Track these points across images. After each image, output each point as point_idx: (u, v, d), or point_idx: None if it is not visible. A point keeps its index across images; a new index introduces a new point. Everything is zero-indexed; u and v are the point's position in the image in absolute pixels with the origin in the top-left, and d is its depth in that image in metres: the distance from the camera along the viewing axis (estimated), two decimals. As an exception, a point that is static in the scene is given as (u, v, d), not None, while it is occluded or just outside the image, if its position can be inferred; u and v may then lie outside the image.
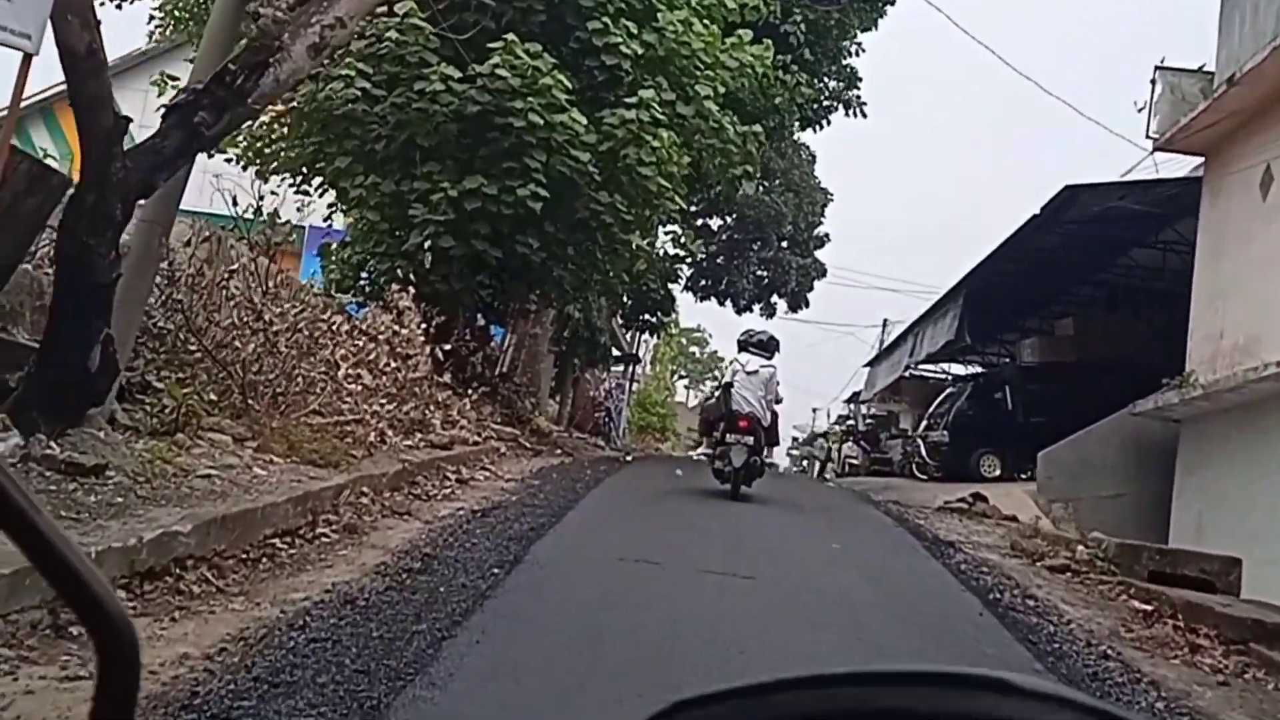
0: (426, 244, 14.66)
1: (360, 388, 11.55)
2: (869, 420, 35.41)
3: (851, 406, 44.70)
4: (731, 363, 13.78)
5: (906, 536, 10.77)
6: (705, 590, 6.66)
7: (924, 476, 24.08)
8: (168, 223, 8.66)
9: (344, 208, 16.19)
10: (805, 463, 59.99)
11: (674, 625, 5.66)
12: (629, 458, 18.09)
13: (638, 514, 10.22)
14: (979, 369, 31.95)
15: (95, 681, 0.71)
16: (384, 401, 11.66)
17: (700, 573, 7.20)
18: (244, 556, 6.26)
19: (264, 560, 6.32)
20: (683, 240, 18.12)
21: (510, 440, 14.56)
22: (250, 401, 9.11)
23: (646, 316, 32.66)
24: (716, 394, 13.69)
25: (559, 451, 16.20)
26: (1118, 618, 8.05)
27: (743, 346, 13.50)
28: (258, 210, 9.62)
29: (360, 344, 12.12)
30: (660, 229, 20.32)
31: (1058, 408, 21.10)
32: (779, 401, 13.38)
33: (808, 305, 33.87)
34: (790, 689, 0.60)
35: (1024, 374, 23.05)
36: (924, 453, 23.37)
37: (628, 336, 38.69)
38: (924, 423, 24.55)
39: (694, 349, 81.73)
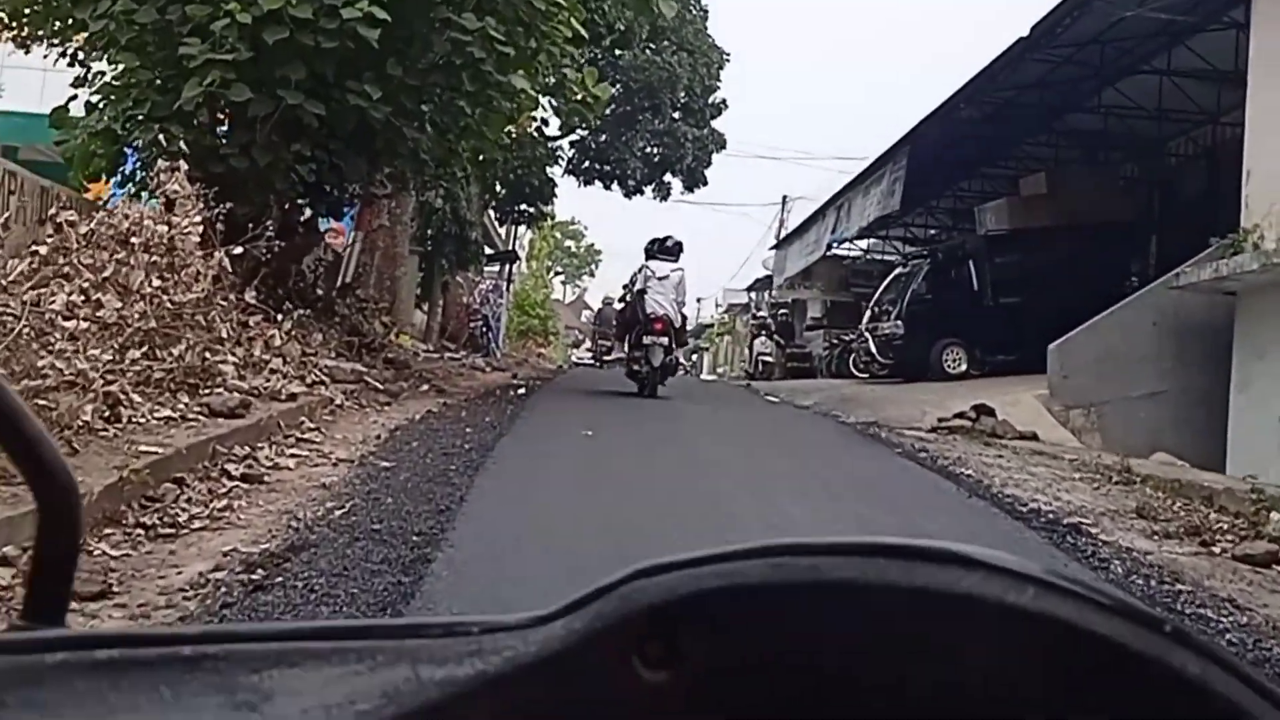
0: (214, 100, 10.01)
1: (87, 326, 6.98)
2: (783, 311, 31.41)
3: (753, 295, 40.71)
4: (642, 269, 13.99)
5: (1000, 519, 6.54)
6: None
7: (866, 376, 20.21)
8: None
9: (85, 52, 11.19)
10: (695, 356, 56.09)
11: None
12: (523, 390, 13.70)
13: (566, 535, 5.61)
14: (902, 243, 28.26)
15: (37, 526, 0.65)
16: (129, 345, 7.12)
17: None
18: None
19: None
20: (585, 83, 13.46)
21: (353, 381, 9.96)
22: None
23: (524, 207, 28.71)
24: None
25: (426, 388, 11.66)
26: None
27: (650, 254, 14.02)
28: None
29: (90, 255, 7.50)
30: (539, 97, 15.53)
31: (1035, 285, 17.77)
32: (684, 305, 14.22)
33: (706, 183, 30.19)
34: (743, 559, 0.57)
35: (990, 245, 19.10)
36: (873, 349, 19.35)
37: (502, 231, 34.40)
38: (868, 312, 20.51)
39: (569, 243, 77.25)
